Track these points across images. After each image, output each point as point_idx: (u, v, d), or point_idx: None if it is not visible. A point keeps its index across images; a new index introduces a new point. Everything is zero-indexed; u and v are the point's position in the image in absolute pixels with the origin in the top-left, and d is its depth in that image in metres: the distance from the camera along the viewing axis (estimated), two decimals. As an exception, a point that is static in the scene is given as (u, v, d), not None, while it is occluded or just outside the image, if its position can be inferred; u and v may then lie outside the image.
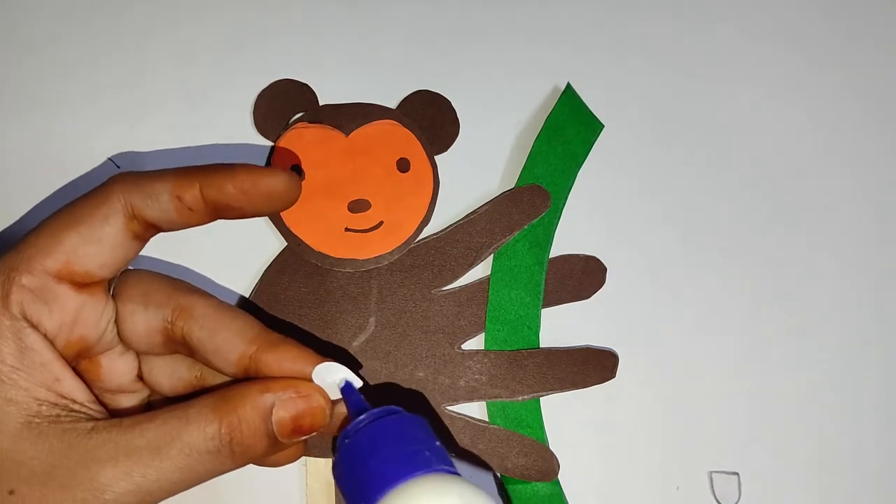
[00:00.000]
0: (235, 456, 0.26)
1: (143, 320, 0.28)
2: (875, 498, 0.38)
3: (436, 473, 0.24)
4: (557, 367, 0.36)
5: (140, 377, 0.29)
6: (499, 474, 0.36)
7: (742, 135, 0.40)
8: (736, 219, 0.39)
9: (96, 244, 0.26)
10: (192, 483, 0.25)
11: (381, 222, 0.36)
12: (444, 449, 0.25)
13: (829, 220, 0.40)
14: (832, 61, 0.41)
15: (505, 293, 0.37)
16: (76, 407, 0.26)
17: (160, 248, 0.35)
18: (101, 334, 0.27)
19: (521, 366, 0.36)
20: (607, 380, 0.37)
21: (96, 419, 0.25)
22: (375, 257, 0.36)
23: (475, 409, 0.36)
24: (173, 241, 0.32)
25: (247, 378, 0.27)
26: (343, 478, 0.25)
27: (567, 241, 0.38)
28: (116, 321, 0.28)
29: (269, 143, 0.37)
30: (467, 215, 0.37)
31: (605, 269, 0.38)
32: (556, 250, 0.38)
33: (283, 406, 0.26)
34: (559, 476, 0.36)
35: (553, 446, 0.36)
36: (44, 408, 0.25)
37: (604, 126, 0.39)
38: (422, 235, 0.37)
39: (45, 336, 0.26)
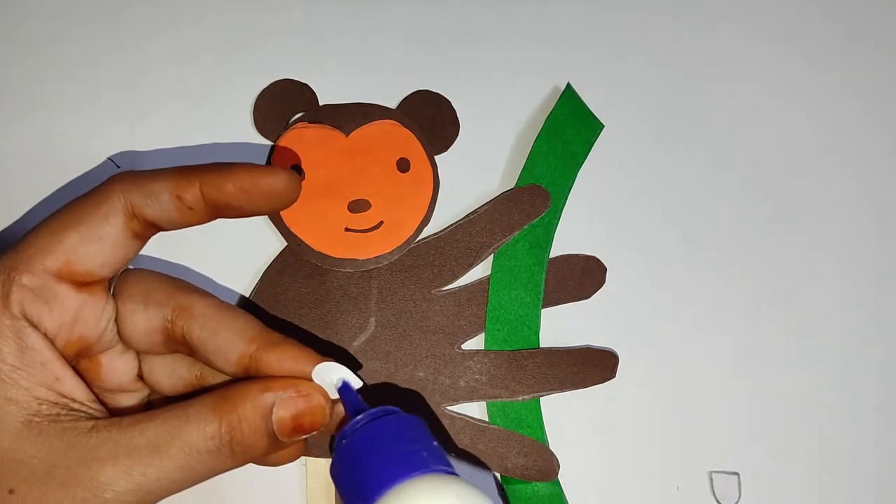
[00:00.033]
0: (235, 455, 0.26)
1: (144, 319, 0.28)
2: (875, 498, 0.38)
3: (433, 474, 0.24)
4: (557, 367, 0.36)
5: (140, 376, 0.30)
6: (499, 474, 0.36)
7: (742, 135, 0.40)
8: (736, 219, 0.39)
9: (96, 243, 0.26)
10: (192, 482, 0.25)
11: (381, 222, 0.36)
12: (441, 449, 0.25)
13: (829, 220, 0.40)
14: (832, 61, 0.41)
15: (505, 293, 0.37)
16: (76, 406, 0.26)
17: (160, 247, 0.35)
18: (101, 333, 0.27)
19: (521, 366, 0.36)
20: (607, 380, 0.37)
21: (96, 418, 0.25)
22: (375, 257, 0.36)
23: (475, 409, 0.36)
24: (173, 241, 0.32)
25: (247, 377, 0.27)
26: (340, 478, 0.25)
27: (567, 241, 0.38)
28: (117, 320, 0.28)
29: (269, 143, 0.37)
30: (467, 215, 0.37)
31: (605, 269, 0.38)
32: (556, 250, 0.38)
33: (283, 405, 0.26)
34: (559, 476, 0.36)
35: (553, 446, 0.36)
36: (44, 407, 0.25)
37: (604, 126, 0.39)
38: (422, 235, 0.37)
39: (45, 335, 0.26)
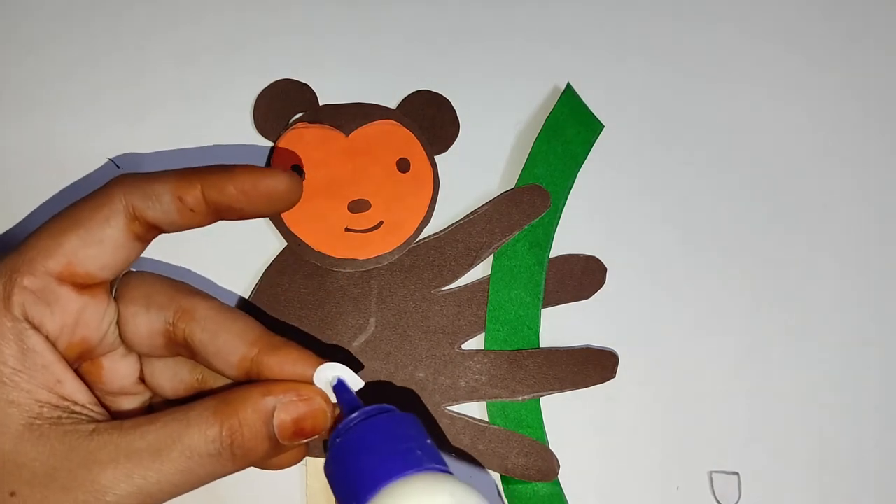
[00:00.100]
0: (236, 459, 0.26)
1: (145, 322, 0.28)
2: (875, 498, 0.38)
3: (427, 472, 0.24)
4: (557, 367, 0.36)
5: (142, 379, 0.30)
6: (499, 475, 0.36)
7: (742, 135, 0.40)
8: (736, 219, 0.39)
9: (98, 246, 0.26)
10: (192, 485, 0.25)
11: (381, 222, 0.36)
12: (435, 447, 0.25)
13: (829, 220, 0.40)
14: (832, 61, 0.41)
15: (505, 293, 0.37)
16: (77, 409, 0.26)
17: (161, 249, 0.35)
18: (102, 336, 0.27)
19: (521, 366, 0.36)
20: (607, 380, 0.37)
21: (97, 421, 0.25)
22: (375, 257, 0.36)
23: (475, 410, 0.36)
24: (173, 243, 0.32)
25: (248, 381, 0.27)
26: (335, 476, 0.25)
27: (567, 241, 0.38)
28: (118, 323, 0.28)
29: (270, 144, 0.37)
30: (467, 215, 0.37)
31: (605, 269, 0.38)
32: (556, 250, 0.38)
33: (284, 409, 0.26)
34: (559, 476, 0.36)
35: (553, 446, 0.36)
36: (45, 410, 0.25)
37: (604, 126, 0.39)
38: (422, 235, 0.37)
39: (46, 338, 0.26)
